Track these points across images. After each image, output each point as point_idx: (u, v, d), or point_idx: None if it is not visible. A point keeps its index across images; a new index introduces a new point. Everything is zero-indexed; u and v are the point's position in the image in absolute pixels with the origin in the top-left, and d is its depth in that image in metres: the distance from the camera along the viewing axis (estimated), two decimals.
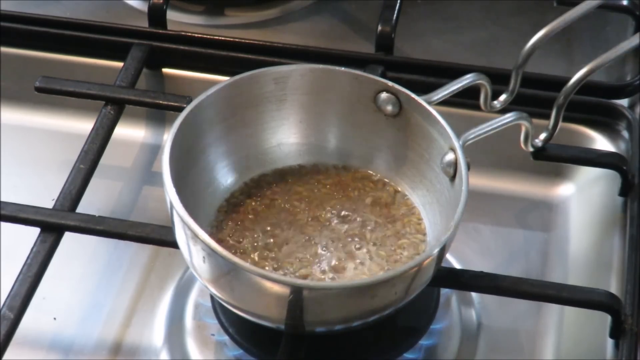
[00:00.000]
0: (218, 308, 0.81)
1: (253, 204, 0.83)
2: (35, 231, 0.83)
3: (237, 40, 0.99)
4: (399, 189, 0.84)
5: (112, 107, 0.92)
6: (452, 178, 0.79)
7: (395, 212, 0.83)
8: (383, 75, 0.94)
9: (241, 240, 0.80)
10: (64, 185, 0.86)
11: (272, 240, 0.80)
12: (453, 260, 0.88)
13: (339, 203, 0.83)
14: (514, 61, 0.85)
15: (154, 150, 0.98)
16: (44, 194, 0.89)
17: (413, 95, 0.81)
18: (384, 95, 0.83)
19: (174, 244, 0.77)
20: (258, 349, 0.79)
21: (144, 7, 1.04)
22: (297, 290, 0.70)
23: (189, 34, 1.00)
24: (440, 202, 0.80)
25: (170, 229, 0.76)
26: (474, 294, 0.86)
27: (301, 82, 0.83)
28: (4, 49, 1.01)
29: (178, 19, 1.05)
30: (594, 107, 0.96)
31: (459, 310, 0.85)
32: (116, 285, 0.87)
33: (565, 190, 0.95)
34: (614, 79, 0.99)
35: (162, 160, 0.76)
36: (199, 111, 0.80)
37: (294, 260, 0.78)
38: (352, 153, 0.85)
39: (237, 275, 0.72)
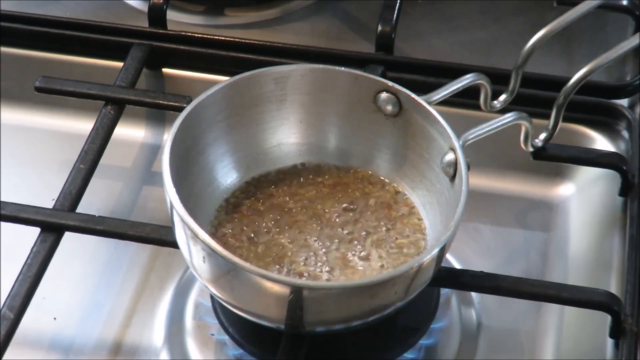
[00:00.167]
0: (218, 308, 0.81)
1: (253, 203, 0.83)
2: (35, 231, 0.83)
3: (237, 40, 0.99)
4: (399, 189, 0.84)
5: (112, 107, 0.92)
6: (452, 178, 0.79)
7: (395, 212, 0.83)
8: (383, 75, 0.94)
9: (241, 240, 0.80)
10: (64, 185, 0.86)
11: (272, 240, 0.80)
12: (453, 260, 0.88)
13: (339, 203, 0.83)
14: (514, 61, 0.85)
15: (154, 150, 0.98)
16: (44, 194, 0.89)
17: (413, 95, 0.81)
18: (384, 95, 0.83)
19: (174, 244, 0.77)
20: (258, 349, 0.79)
21: (144, 7, 1.04)
22: (297, 290, 0.70)
23: (189, 34, 1.00)
24: (440, 202, 0.80)
25: (170, 229, 0.76)
26: (474, 294, 0.86)
27: (301, 82, 0.83)
28: (4, 49, 1.01)
29: (178, 19, 1.05)
30: (594, 107, 0.96)
31: (459, 310, 0.85)
32: (116, 285, 0.87)
33: (565, 190, 0.95)
34: (614, 79, 0.99)
35: (162, 160, 0.76)
36: (199, 111, 0.80)
37: (294, 260, 0.78)
38: (352, 153, 0.85)
39: (237, 275, 0.72)
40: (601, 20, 1.05)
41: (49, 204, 0.85)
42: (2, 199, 0.85)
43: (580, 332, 0.84)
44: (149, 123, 1.00)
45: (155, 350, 0.83)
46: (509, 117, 0.82)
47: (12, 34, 1.01)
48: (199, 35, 1.00)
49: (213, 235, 0.79)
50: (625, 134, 0.95)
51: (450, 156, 0.79)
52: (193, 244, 0.72)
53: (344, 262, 0.79)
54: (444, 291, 0.84)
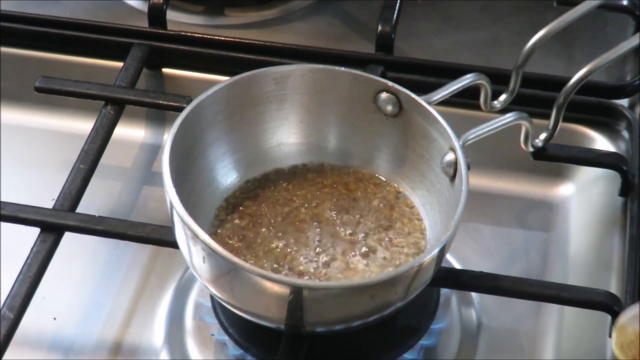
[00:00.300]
0: (218, 308, 0.81)
1: (253, 204, 0.83)
2: (35, 231, 0.83)
3: (237, 40, 0.99)
4: (399, 189, 0.84)
5: (112, 107, 0.92)
6: (452, 178, 0.79)
7: (396, 212, 0.83)
8: (383, 75, 0.94)
9: (241, 240, 0.80)
10: (64, 185, 0.86)
11: (272, 240, 0.80)
12: (453, 260, 0.88)
13: (339, 203, 0.83)
14: (514, 61, 0.85)
15: (154, 150, 0.98)
16: (44, 194, 0.89)
17: (413, 95, 0.81)
18: (384, 95, 0.83)
19: (174, 244, 0.77)
20: (258, 349, 0.79)
21: (144, 7, 1.04)
22: (297, 290, 0.70)
23: (189, 34, 1.00)
24: (440, 202, 0.80)
25: (170, 229, 0.76)
26: (474, 294, 0.86)
27: (301, 82, 0.83)
28: (4, 49, 1.01)
29: (178, 19, 1.05)
30: (594, 107, 0.96)
31: (459, 310, 0.85)
32: (116, 285, 0.87)
33: (565, 190, 0.95)
34: (614, 79, 0.99)
35: (162, 160, 0.76)
36: (199, 111, 0.80)
37: (294, 260, 0.78)
38: (352, 153, 0.85)
39: (237, 275, 0.72)
40: (601, 20, 1.05)
41: (49, 204, 0.85)
42: (2, 199, 0.85)
43: (580, 332, 0.84)
44: (149, 123, 1.00)
45: (155, 350, 0.83)
46: (509, 117, 0.82)
47: (12, 34, 1.01)
48: (199, 35, 1.00)
49: (213, 235, 0.79)
50: (625, 134, 0.95)
51: (450, 156, 0.79)
52: (193, 244, 0.72)
53: (344, 262, 0.79)
54: (444, 291, 0.84)
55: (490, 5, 1.08)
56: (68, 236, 0.84)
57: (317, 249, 0.79)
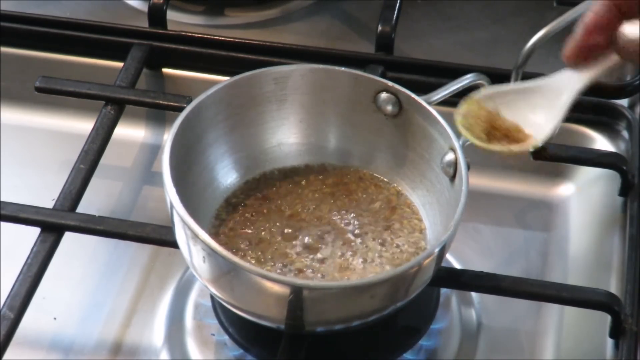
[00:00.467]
0: (218, 308, 0.81)
1: (253, 203, 0.83)
2: (35, 231, 0.83)
3: (237, 40, 0.99)
4: (399, 189, 0.84)
5: (112, 107, 0.93)
6: (452, 178, 0.79)
7: (396, 212, 0.83)
8: (383, 75, 0.94)
9: (241, 240, 0.80)
10: (64, 185, 0.86)
11: (272, 240, 0.80)
12: (453, 260, 0.88)
13: (339, 203, 0.83)
14: (514, 61, 0.85)
15: (154, 150, 0.98)
16: (44, 194, 0.89)
17: (413, 95, 0.81)
18: (384, 95, 0.83)
19: (174, 244, 0.77)
20: (258, 349, 0.79)
21: (144, 7, 1.05)
22: (297, 290, 0.70)
23: (189, 34, 1.00)
24: (440, 202, 0.80)
25: (170, 229, 0.76)
26: (474, 294, 0.86)
27: (301, 82, 0.83)
28: (4, 49, 1.01)
29: (178, 19, 1.05)
30: (594, 107, 0.96)
31: (459, 310, 0.85)
32: (116, 285, 0.87)
33: (565, 190, 0.95)
34: (614, 79, 0.99)
35: (162, 160, 0.76)
36: (199, 111, 0.80)
37: (294, 260, 0.78)
38: (352, 153, 0.85)
39: (237, 275, 0.72)
40: None
41: (49, 204, 0.85)
42: (2, 199, 0.85)
43: (580, 332, 0.84)
44: (149, 123, 1.00)
45: (155, 350, 0.83)
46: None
47: (12, 34, 1.01)
48: (199, 35, 1.00)
49: (213, 235, 0.79)
50: (625, 134, 0.95)
51: (450, 156, 0.79)
52: (193, 244, 0.72)
53: (344, 262, 0.79)
54: (444, 291, 0.84)
55: (490, 5, 1.08)
56: (68, 236, 0.84)
57: (317, 249, 0.79)
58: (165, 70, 1.01)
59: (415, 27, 1.06)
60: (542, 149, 0.88)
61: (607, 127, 0.96)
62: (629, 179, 0.90)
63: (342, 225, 0.81)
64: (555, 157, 0.90)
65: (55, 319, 0.84)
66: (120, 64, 0.97)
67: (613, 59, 0.66)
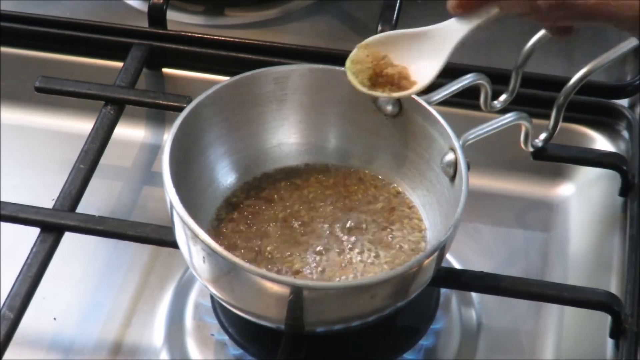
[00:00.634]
0: (218, 308, 0.81)
1: (253, 203, 0.83)
2: (35, 231, 0.83)
3: (237, 40, 0.99)
4: (399, 189, 0.84)
5: (112, 107, 0.93)
6: (452, 178, 0.79)
7: (396, 212, 0.83)
8: None
9: (241, 240, 0.80)
10: (64, 185, 0.86)
11: (272, 240, 0.80)
12: (453, 260, 0.88)
13: (339, 203, 0.83)
14: (514, 61, 0.85)
15: (154, 150, 0.98)
16: (44, 194, 0.89)
17: (413, 95, 0.81)
18: None
19: (174, 244, 0.77)
20: (258, 349, 0.79)
21: (144, 7, 1.05)
22: (297, 290, 0.70)
23: (189, 34, 1.00)
24: (440, 202, 0.80)
25: (170, 229, 0.76)
26: (474, 294, 0.86)
27: (301, 82, 0.83)
28: (4, 49, 1.01)
29: (178, 19, 1.05)
30: (594, 107, 0.96)
31: (459, 310, 0.85)
32: (116, 285, 0.87)
33: (565, 190, 0.95)
34: (614, 79, 0.99)
35: (162, 160, 0.76)
36: (199, 111, 0.80)
37: (294, 260, 0.78)
38: (352, 153, 0.85)
39: (237, 275, 0.72)
40: None
41: (49, 204, 0.85)
42: (2, 199, 0.85)
43: (580, 332, 0.84)
44: (149, 123, 1.00)
45: (155, 350, 0.83)
46: (508, 117, 0.82)
47: (12, 34, 1.01)
48: (199, 35, 1.00)
49: (213, 235, 0.79)
50: (625, 134, 0.95)
51: (450, 156, 0.79)
52: (193, 244, 0.72)
53: (344, 262, 0.79)
54: (444, 291, 0.84)
55: None
56: (68, 236, 0.84)
57: (317, 249, 0.79)
58: (165, 70, 1.01)
59: (415, 27, 1.06)
60: (542, 149, 0.88)
61: (607, 127, 0.96)
62: (629, 179, 0.90)
63: (342, 225, 0.81)
64: (555, 157, 0.90)
65: (55, 319, 0.84)
66: (120, 64, 0.97)
67: (494, 11, 0.68)
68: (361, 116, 0.84)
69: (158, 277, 0.87)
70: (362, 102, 0.83)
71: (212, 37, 1.00)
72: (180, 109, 0.80)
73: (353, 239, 0.80)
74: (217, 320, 0.81)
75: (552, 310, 0.85)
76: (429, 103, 0.81)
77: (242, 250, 0.79)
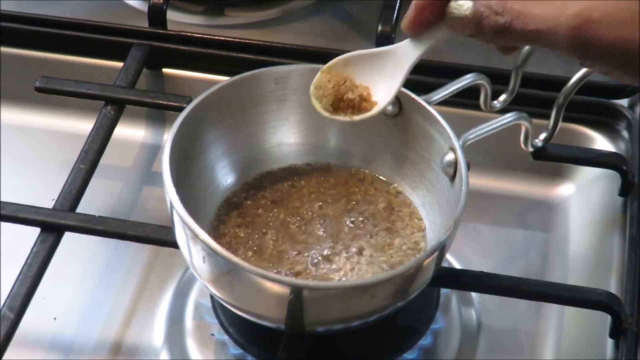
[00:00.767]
0: (218, 308, 0.81)
1: (253, 203, 0.83)
2: (35, 231, 0.83)
3: (237, 40, 0.99)
4: (399, 189, 0.84)
5: (112, 107, 0.93)
6: (452, 178, 0.79)
7: (396, 212, 0.83)
8: None
9: (241, 240, 0.80)
10: (64, 185, 0.86)
11: (272, 240, 0.80)
12: (453, 260, 0.88)
13: (339, 203, 0.83)
14: (514, 61, 0.85)
15: (154, 150, 0.98)
16: (44, 194, 0.89)
17: (413, 95, 0.81)
18: None
19: (174, 244, 0.77)
20: (258, 349, 0.79)
21: (144, 7, 1.05)
22: (297, 290, 0.70)
23: (189, 34, 1.00)
24: (440, 202, 0.80)
25: (170, 229, 0.76)
26: (474, 294, 0.86)
27: (301, 82, 0.83)
28: (4, 49, 1.01)
29: (178, 19, 1.05)
30: (594, 107, 0.96)
31: (459, 310, 0.85)
32: (116, 285, 0.87)
33: (565, 190, 0.95)
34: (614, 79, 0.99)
35: (162, 160, 0.76)
36: (199, 111, 0.80)
37: (294, 260, 0.78)
38: (352, 153, 0.85)
39: (237, 275, 0.72)
40: None
41: (49, 204, 0.85)
42: (2, 199, 0.85)
43: (580, 332, 0.84)
44: (149, 123, 1.00)
45: (155, 350, 0.83)
46: (509, 117, 0.82)
47: (12, 34, 1.01)
48: (199, 35, 1.00)
49: (213, 235, 0.79)
50: (625, 134, 0.95)
51: (450, 156, 0.79)
52: (193, 244, 0.72)
53: (344, 262, 0.79)
54: (444, 291, 0.84)
55: None
56: (68, 236, 0.84)
57: (317, 249, 0.79)
58: (165, 70, 1.01)
59: None
60: (542, 149, 0.88)
61: (607, 127, 0.96)
62: (629, 179, 0.90)
63: (342, 225, 0.81)
64: (555, 157, 0.90)
65: (55, 319, 0.84)
66: (120, 64, 0.97)
67: (445, 31, 0.70)
68: None
69: (158, 277, 0.87)
70: None
71: (212, 37, 1.00)
72: (180, 109, 0.80)
73: (353, 238, 0.80)
74: (217, 320, 0.81)
75: (552, 310, 0.85)
76: (429, 103, 0.81)
77: (242, 250, 0.79)
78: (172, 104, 0.93)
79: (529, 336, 0.85)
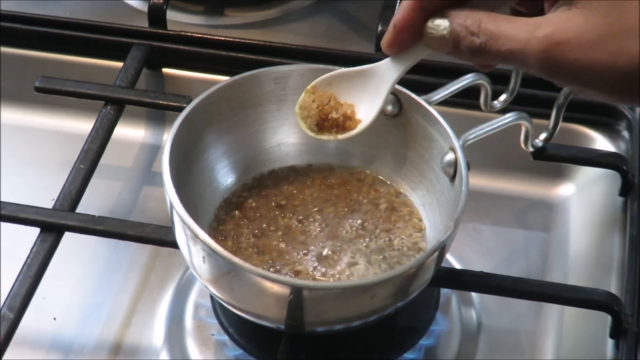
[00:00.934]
0: (218, 308, 0.81)
1: (253, 203, 0.83)
2: (35, 231, 0.83)
3: (237, 40, 0.99)
4: (399, 189, 0.84)
5: (112, 107, 0.93)
6: (452, 178, 0.79)
7: (396, 213, 0.82)
8: None
9: (241, 240, 0.80)
10: (64, 185, 0.86)
11: (272, 240, 0.80)
12: (453, 260, 0.88)
13: (339, 203, 0.83)
14: None
15: (154, 150, 0.98)
16: (44, 194, 0.89)
17: (413, 95, 0.81)
18: None
19: (174, 244, 0.77)
20: (258, 349, 0.79)
21: (144, 7, 1.05)
22: (297, 290, 0.70)
23: (189, 34, 1.00)
24: (440, 202, 0.80)
25: (170, 229, 0.76)
26: (474, 294, 0.86)
27: (301, 82, 0.83)
28: (4, 49, 1.01)
29: (178, 19, 1.05)
30: (594, 107, 0.96)
31: (459, 310, 0.85)
32: (116, 285, 0.87)
33: (565, 190, 0.95)
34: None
35: (162, 160, 0.76)
36: (199, 111, 0.80)
37: (294, 260, 0.78)
38: (352, 153, 0.85)
39: (237, 275, 0.72)
40: None
41: (49, 204, 0.85)
42: (2, 199, 0.85)
43: (580, 332, 0.84)
44: (149, 123, 1.00)
45: (155, 350, 0.83)
46: (509, 117, 0.82)
47: (12, 34, 1.01)
48: (199, 35, 1.00)
49: (213, 235, 0.79)
50: (625, 134, 0.95)
51: (450, 156, 0.79)
52: (193, 244, 0.72)
53: (344, 262, 0.79)
54: (444, 291, 0.84)
55: None
56: (68, 236, 0.84)
57: (317, 249, 0.79)
58: (165, 70, 1.01)
59: None
60: (542, 149, 0.88)
61: (607, 127, 0.96)
62: (629, 179, 0.90)
63: (342, 225, 0.81)
64: (555, 157, 0.90)
65: (55, 319, 0.84)
66: (120, 64, 0.97)
67: (424, 49, 0.71)
68: None
69: (158, 277, 0.87)
70: None
71: (212, 37, 1.00)
72: (180, 109, 0.80)
73: (353, 238, 0.80)
74: (217, 320, 0.81)
75: (552, 310, 0.85)
76: (429, 103, 0.81)
77: (242, 250, 0.79)
78: (172, 104, 0.93)
79: (529, 336, 0.85)
